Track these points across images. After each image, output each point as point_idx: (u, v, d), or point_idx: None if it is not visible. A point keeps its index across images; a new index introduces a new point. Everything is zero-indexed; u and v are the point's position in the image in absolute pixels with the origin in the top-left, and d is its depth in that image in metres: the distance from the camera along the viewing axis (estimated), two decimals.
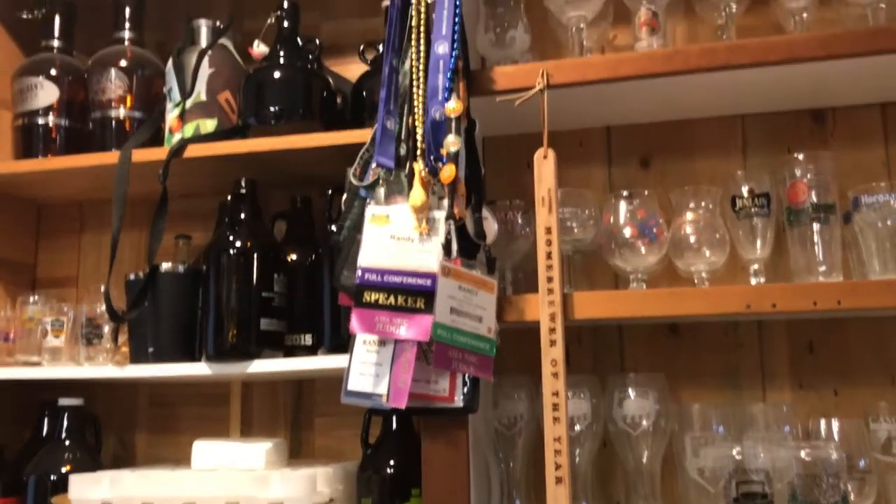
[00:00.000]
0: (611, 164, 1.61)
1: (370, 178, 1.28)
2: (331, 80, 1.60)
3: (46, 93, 1.69)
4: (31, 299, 1.64)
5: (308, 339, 1.51)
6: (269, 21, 1.59)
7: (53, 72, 1.70)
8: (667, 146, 1.58)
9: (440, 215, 1.22)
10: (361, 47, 1.61)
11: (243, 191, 1.54)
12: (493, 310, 1.24)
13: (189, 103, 1.57)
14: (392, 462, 1.42)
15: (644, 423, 1.33)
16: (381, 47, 1.53)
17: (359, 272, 1.20)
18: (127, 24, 1.72)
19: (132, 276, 1.56)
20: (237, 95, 1.59)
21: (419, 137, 1.26)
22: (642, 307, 1.27)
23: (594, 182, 1.59)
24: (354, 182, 1.30)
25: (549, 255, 1.26)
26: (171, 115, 1.59)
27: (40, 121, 1.68)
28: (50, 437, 1.62)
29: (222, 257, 1.48)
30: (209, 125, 1.57)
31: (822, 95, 1.48)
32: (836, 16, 1.47)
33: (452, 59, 1.26)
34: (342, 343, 1.40)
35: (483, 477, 1.37)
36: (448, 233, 1.22)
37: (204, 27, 1.64)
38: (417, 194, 1.21)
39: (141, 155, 1.55)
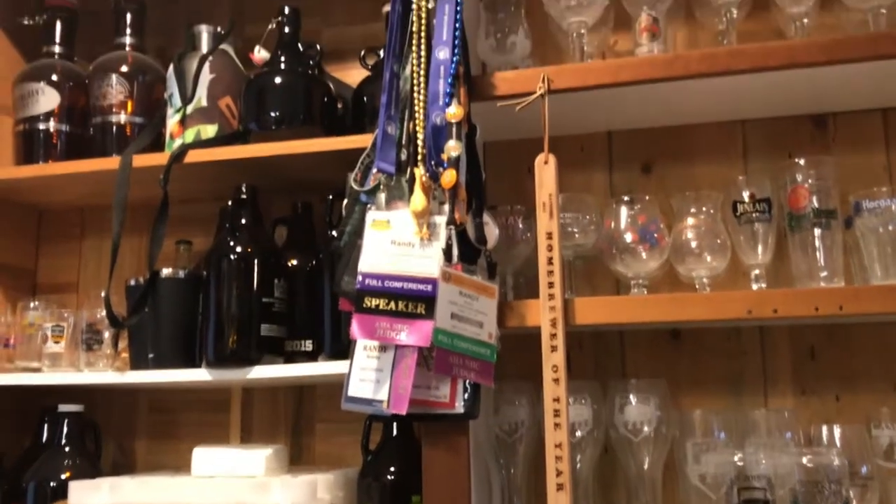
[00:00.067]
0: (612, 170, 1.61)
1: (371, 183, 1.28)
2: (331, 86, 1.60)
3: (47, 98, 1.69)
4: (32, 305, 1.64)
5: (308, 345, 1.51)
6: (269, 27, 1.59)
7: (54, 77, 1.70)
8: (668, 151, 1.58)
9: (441, 220, 1.22)
10: (362, 53, 1.62)
11: (244, 196, 1.54)
12: (493, 315, 1.24)
13: (190, 109, 1.57)
14: (393, 468, 1.42)
15: (645, 429, 1.33)
16: (381, 53, 1.53)
17: (359, 277, 1.20)
18: (128, 30, 1.72)
19: (133, 282, 1.56)
20: (238, 101, 1.59)
21: (420, 143, 1.26)
22: (643, 313, 1.27)
23: (595, 187, 1.59)
24: (355, 187, 1.30)
25: (550, 261, 1.26)
26: (172, 121, 1.59)
27: (41, 126, 1.69)
28: (50, 444, 1.61)
29: (223, 263, 1.48)
30: (210, 130, 1.57)
31: (822, 100, 1.48)
32: (837, 21, 1.47)
33: (453, 65, 1.26)
34: (343, 349, 1.39)
35: (484, 483, 1.36)
36: (449, 238, 1.22)
37: (205, 33, 1.64)
38: (418, 199, 1.21)
39: (142, 160, 1.55)
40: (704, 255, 1.35)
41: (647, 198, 1.40)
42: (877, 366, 1.45)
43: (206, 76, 1.59)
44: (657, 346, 1.53)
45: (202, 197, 1.73)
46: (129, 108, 1.66)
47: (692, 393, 1.49)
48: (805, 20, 1.41)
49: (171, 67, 1.62)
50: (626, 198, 1.40)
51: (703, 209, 1.37)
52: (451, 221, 1.21)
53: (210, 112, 1.58)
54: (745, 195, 1.36)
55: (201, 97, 1.58)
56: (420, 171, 1.24)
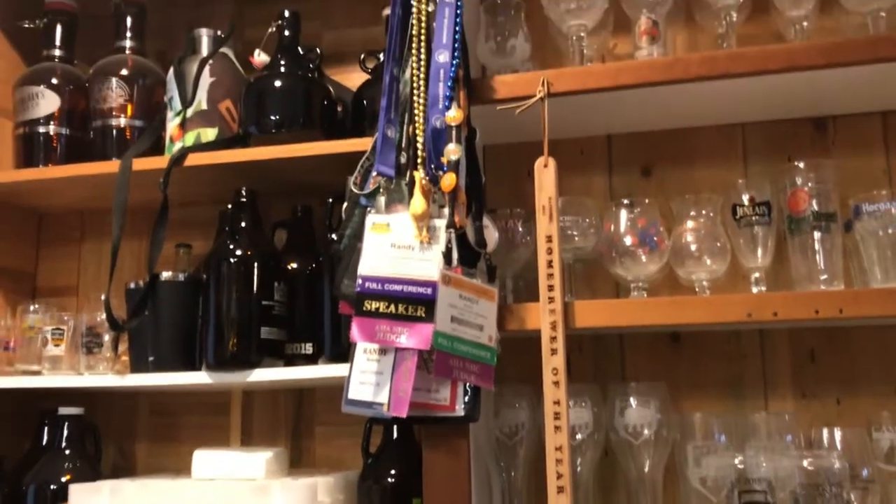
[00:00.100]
0: (611, 173, 1.61)
1: (371, 186, 1.28)
2: (331, 89, 1.61)
3: (47, 102, 1.69)
4: (32, 308, 1.64)
5: (308, 348, 1.51)
6: (269, 30, 1.59)
7: (54, 81, 1.70)
8: (668, 154, 1.58)
9: (441, 224, 1.22)
10: (362, 56, 1.62)
11: (244, 199, 1.55)
12: (493, 318, 1.24)
13: (190, 112, 1.57)
14: (393, 471, 1.42)
15: (646, 432, 1.33)
16: (381, 56, 1.53)
17: (359, 281, 1.20)
18: (128, 34, 1.73)
19: (132, 285, 1.56)
20: (238, 104, 1.59)
21: (420, 146, 1.26)
22: (643, 316, 1.27)
23: (595, 190, 1.59)
24: (355, 190, 1.30)
25: (549, 264, 1.26)
26: (172, 124, 1.59)
27: (41, 130, 1.69)
28: (50, 447, 1.61)
29: (223, 266, 1.48)
30: (210, 134, 1.57)
31: (822, 104, 1.48)
32: (836, 24, 1.47)
33: (453, 68, 1.26)
34: (343, 352, 1.40)
35: (484, 486, 1.36)
36: (448, 241, 1.22)
37: (205, 36, 1.65)
38: (418, 203, 1.21)
39: (141, 164, 1.55)
40: (704, 259, 1.35)
41: (646, 201, 1.40)
42: (877, 369, 1.45)
43: (206, 79, 1.59)
44: (657, 349, 1.53)
45: (202, 200, 1.73)
46: (129, 112, 1.66)
47: (692, 396, 1.49)
48: (804, 23, 1.41)
49: (171, 71, 1.62)
50: (625, 201, 1.40)
51: (703, 212, 1.37)
52: (450, 225, 1.21)
53: (210, 115, 1.58)
54: (745, 198, 1.36)
55: (201, 100, 1.58)
56: (420, 175, 1.24)
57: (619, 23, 1.53)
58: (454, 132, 1.23)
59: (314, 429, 1.69)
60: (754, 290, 1.35)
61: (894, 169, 1.50)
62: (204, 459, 1.46)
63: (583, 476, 1.35)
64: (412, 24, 1.30)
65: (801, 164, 1.35)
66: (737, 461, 1.27)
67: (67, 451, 1.59)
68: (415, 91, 1.28)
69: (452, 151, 1.22)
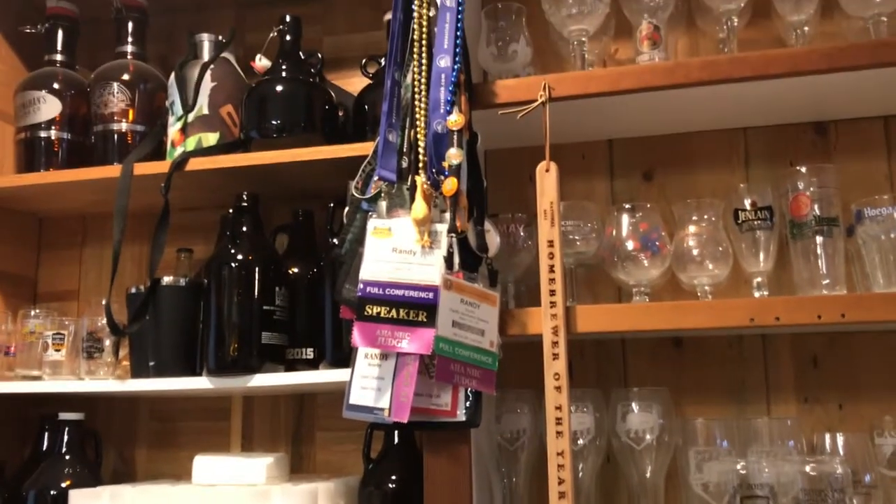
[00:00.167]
0: (613, 177, 1.61)
1: (372, 191, 1.28)
2: (333, 94, 1.61)
3: (49, 106, 1.69)
4: (32, 313, 1.64)
5: (310, 353, 1.51)
6: (271, 35, 1.59)
7: (56, 86, 1.70)
8: (669, 159, 1.58)
9: (442, 228, 1.22)
10: (363, 61, 1.62)
11: (245, 204, 1.54)
12: (495, 323, 1.24)
13: (191, 117, 1.58)
14: (394, 477, 1.41)
15: (648, 437, 1.32)
16: (382, 61, 1.53)
17: (360, 285, 1.20)
18: (129, 38, 1.73)
19: (133, 290, 1.56)
20: (239, 109, 1.59)
21: (421, 150, 1.26)
22: (645, 320, 1.27)
23: (597, 195, 1.59)
24: (356, 195, 1.30)
25: (551, 269, 1.25)
26: (174, 129, 1.59)
27: (43, 134, 1.69)
28: (50, 452, 1.61)
29: (224, 271, 1.48)
30: (211, 138, 1.57)
31: (824, 108, 1.48)
32: (838, 29, 1.47)
33: (454, 73, 1.26)
34: (344, 357, 1.39)
35: (485, 492, 1.36)
36: (450, 246, 1.21)
37: (206, 41, 1.65)
38: (419, 207, 1.21)
39: (143, 168, 1.55)
40: (706, 263, 1.35)
41: (648, 205, 1.40)
42: (880, 374, 1.44)
43: (207, 84, 1.59)
44: (659, 353, 1.53)
45: (203, 205, 1.73)
46: (131, 117, 1.66)
47: (694, 401, 1.49)
48: (806, 28, 1.41)
49: (172, 75, 1.62)
50: (627, 205, 1.40)
51: (705, 217, 1.37)
52: (452, 229, 1.21)
53: (211, 120, 1.58)
54: (747, 203, 1.36)
55: (202, 105, 1.58)
56: (421, 179, 1.24)
57: (621, 27, 1.53)
58: (455, 137, 1.23)
59: (315, 434, 1.68)
60: (756, 294, 1.35)
61: None
62: (204, 465, 1.46)
63: (584, 482, 1.34)
64: (413, 29, 1.30)
65: (803, 169, 1.35)
66: (739, 466, 1.27)
67: (68, 457, 1.59)
68: (416, 96, 1.28)
69: (454, 156, 1.22)
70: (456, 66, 1.26)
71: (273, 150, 1.49)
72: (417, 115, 1.27)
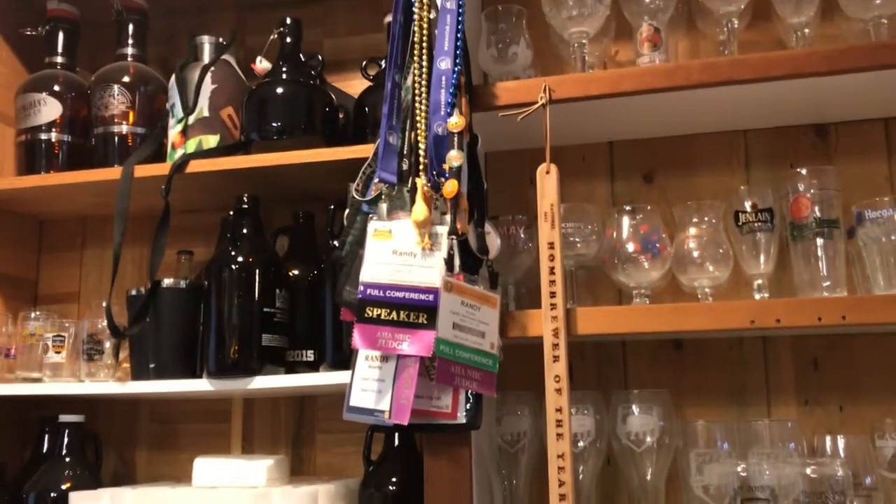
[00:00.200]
0: (614, 179, 1.61)
1: (372, 193, 1.28)
2: (333, 96, 1.61)
3: (49, 109, 1.69)
4: (33, 315, 1.64)
5: (310, 355, 1.51)
6: (271, 37, 1.59)
7: (56, 88, 1.70)
8: (669, 161, 1.58)
9: (443, 230, 1.22)
10: (364, 63, 1.62)
11: (245, 206, 1.54)
12: (495, 325, 1.24)
13: (192, 119, 1.58)
14: (394, 479, 1.41)
15: (648, 439, 1.32)
16: (383, 63, 1.53)
17: (361, 287, 1.20)
18: (130, 41, 1.73)
19: (134, 292, 1.56)
20: (240, 111, 1.59)
21: (421, 152, 1.26)
22: (646, 322, 1.27)
23: (597, 197, 1.59)
24: (357, 197, 1.30)
25: (551, 271, 1.25)
26: (174, 131, 1.59)
27: (43, 137, 1.69)
28: (50, 454, 1.61)
29: (224, 273, 1.48)
30: (211, 141, 1.57)
31: (824, 110, 1.48)
32: (838, 31, 1.47)
33: (454, 75, 1.26)
34: (344, 359, 1.39)
35: (486, 494, 1.36)
36: (450, 248, 1.21)
37: (207, 43, 1.65)
38: (420, 209, 1.21)
39: (143, 170, 1.55)
40: (707, 265, 1.35)
41: (648, 207, 1.40)
42: (880, 376, 1.44)
43: (207, 86, 1.59)
44: (660, 356, 1.53)
45: (203, 207, 1.73)
46: (131, 119, 1.67)
47: (695, 403, 1.49)
48: (806, 30, 1.41)
49: (172, 78, 1.62)
50: (627, 207, 1.40)
51: (705, 219, 1.37)
52: (452, 231, 1.21)
53: (212, 122, 1.58)
54: (748, 205, 1.36)
55: (203, 107, 1.58)
56: (422, 181, 1.24)
57: (621, 30, 1.53)
58: (456, 139, 1.23)
59: (315, 436, 1.68)
60: (757, 296, 1.35)
61: None
62: (205, 467, 1.46)
63: (585, 484, 1.34)
64: (414, 31, 1.30)
65: (804, 171, 1.35)
66: (740, 469, 1.27)
67: (68, 459, 1.58)
68: (416, 98, 1.28)
69: (454, 158, 1.22)
70: (456, 69, 1.26)
71: (273, 152, 1.49)
72: (418, 118, 1.27)
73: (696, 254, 1.35)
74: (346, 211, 1.33)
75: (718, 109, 1.45)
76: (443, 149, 1.23)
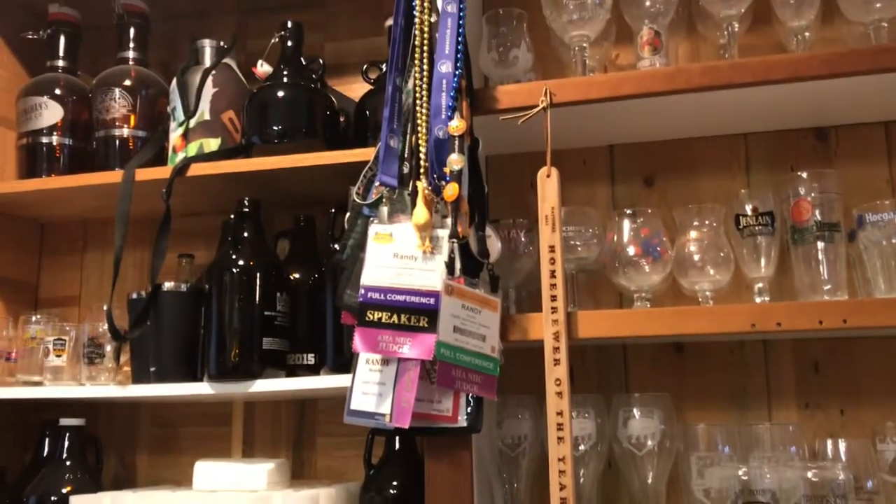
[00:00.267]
0: (614, 183, 1.61)
1: (373, 196, 1.28)
2: (334, 100, 1.61)
3: (51, 112, 1.69)
4: (34, 318, 1.63)
5: (311, 359, 1.51)
6: (272, 41, 1.60)
7: (58, 91, 1.70)
8: (670, 164, 1.58)
9: (443, 234, 1.22)
10: (364, 67, 1.62)
11: (246, 210, 1.54)
12: (496, 329, 1.24)
13: (193, 122, 1.58)
14: (395, 483, 1.41)
15: (649, 443, 1.32)
16: (384, 67, 1.53)
17: (362, 291, 1.20)
18: (131, 44, 1.73)
19: (135, 295, 1.56)
20: (241, 114, 1.59)
21: (422, 156, 1.26)
22: (646, 326, 1.27)
23: (598, 200, 1.59)
24: (358, 200, 1.30)
25: (552, 274, 1.25)
26: (175, 135, 1.59)
27: (44, 140, 1.69)
28: (51, 458, 1.61)
29: (225, 276, 1.48)
30: (213, 144, 1.57)
31: (825, 114, 1.48)
32: (839, 34, 1.47)
33: (455, 78, 1.26)
34: (345, 362, 1.39)
35: (487, 498, 1.35)
36: (451, 251, 1.21)
37: (208, 47, 1.65)
38: (421, 213, 1.21)
39: (144, 174, 1.55)
40: (707, 269, 1.35)
41: (649, 211, 1.40)
42: (881, 379, 1.44)
43: (208, 90, 1.59)
44: (660, 359, 1.53)
45: (204, 210, 1.73)
46: (132, 122, 1.67)
47: (696, 407, 1.49)
48: (806, 34, 1.41)
49: (174, 81, 1.62)
50: (628, 211, 1.40)
51: (706, 222, 1.37)
52: (453, 235, 1.21)
53: (213, 126, 1.58)
54: (748, 208, 1.36)
55: (204, 111, 1.58)
56: (422, 185, 1.24)
57: (621, 33, 1.53)
58: (457, 142, 1.23)
59: (316, 440, 1.68)
60: (758, 300, 1.35)
61: None
62: (205, 470, 1.45)
63: (586, 487, 1.34)
64: (415, 35, 1.30)
65: (804, 174, 1.35)
66: (741, 472, 1.27)
67: (68, 463, 1.58)
68: (417, 101, 1.28)
69: (455, 161, 1.22)
70: (457, 72, 1.26)
71: (274, 155, 1.49)
72: (419, 121, 1.27)
73: (696, 257, 1.35)
74: (347, 214, 1.33)
75: (719, 113, 1.45)
76: (444, 152, 1.23)
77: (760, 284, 1.36)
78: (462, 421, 1.20)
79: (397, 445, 1.45)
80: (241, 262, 1.48)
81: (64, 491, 1.53)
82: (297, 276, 1.55)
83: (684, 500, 1.34)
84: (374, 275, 1.21)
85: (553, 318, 1.24)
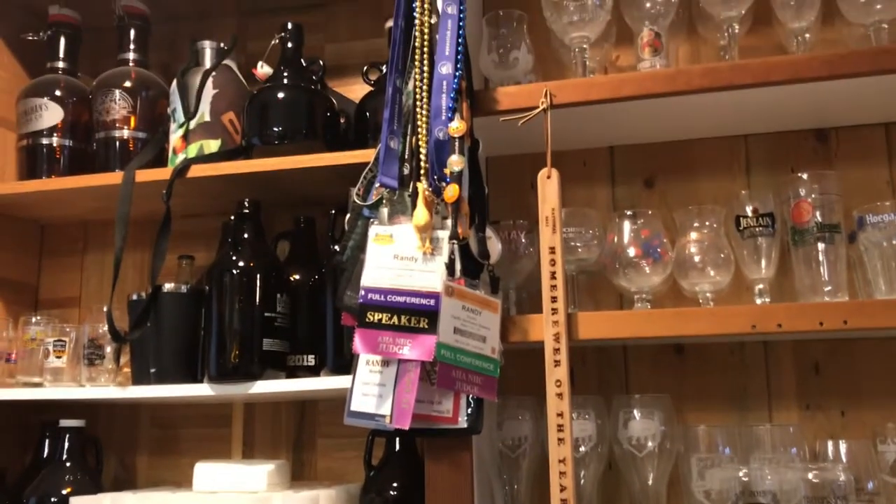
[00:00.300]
0: (614, 184, 1.61)
1: (374, 197, 1.28)
2: (334, 101, 1.61)
3: (51, 113, 1.69)
4: (34, 320, 1.64)
5: (311, 360, 1.51)
6: (272, 42, 1.60)
7: (58, 93, 1.70)
8: (670, 166, 1.58)
9: (444, 235, 1.22)
10: (365, 68, 1.62)
11: (246, 211, 1.54)
12: (496, 330, 1.23)
13: (193, 124, 1.58)
14: (395, 484, 1.41)
15: (649, 444, 1.32)
16: (384, 68, 1.53)
17: (362, 292, 1.20)
18: (131, 46, 1.73)
19: (135, 297, 1.56)
20: (241, 116, 1.59)
21: (423, 157, 1.26)
22: (647, 327, 1.27)
23: (598, 202, 1.59)
24: (358, 202, 1.30)
25: (553, 275, 1.25)
26: (175, 136, 1.59)
27: (44, 141, 1.69)
28: (51, 459, 1.61)
29: (225, 277, 1.48)
30: (213, 145, 1.57)
31: (825, 115, 1.48)
32: (839, 36, 1.47)
33: (456, 80, 1.26)
34: (345, 363, 1.39)
35: (487, 499, 1.35)
36: (451, 252, 1.21)
37: (208, 48, 1.65)
38: (421, 214, 1.21)
39: (144, 175, 1.55)
40: (708, 270, 1.35)
41: (649, 212, 1.40)
42: (882, 380, 1.44)
43: (209, 91, 1.59)
44: (661, 360, 1.53)
45: (205, 212, 1.73)
46: (133, 124, 1.67)
47: (696, 408, 1.49)
48: (807, 35, 1.41)
49: (174, 83, 1.62)
50: (628, 212, 1.40)
51: (707, 223, 1.37)
52: (453, 236, 1.21)
53: (213, 127, 1.58)
54: (749, 209, 1.36)
55: (204, 112, 1.59)
56: (423, 186, 1.24)
57: (622, 35, 1.53)
58: (457, 143, 1.23)
59: (316, 441, 1.68)
60: (758, 301, 1.35)
61: None
62: (205, 472, 1.45)
63: (586, 489, 1.34)
64: (415, 36, 1.30)
65: (805, 176, 1.35)
66: (741, 474, 1.27)
67: (68, 464, 1.58)
68: (418, 102, 1.28)
69: (455, 163, 1.22)
70: (457, 73, 1.26)
71: (275, 156, 1.49)
72: (419, 122, 1.27)
73: (697, 258, 1.35)
74: (348, 215, 1.33)
75: (719, 114, 1.45)
76: (444, 153, 1.23)
77: (761, 286, 1.35)
78: (462, 422, 1.20)
79: (397, 447, 1.45)
80: (241, 264, 1.48)
81: (64, 492, 1.53)
82: (297, 277, 1.54)
83: (685, 502, 1.34)
84: (375, 276, 1.21)
85: (553, 320, 1.24)
